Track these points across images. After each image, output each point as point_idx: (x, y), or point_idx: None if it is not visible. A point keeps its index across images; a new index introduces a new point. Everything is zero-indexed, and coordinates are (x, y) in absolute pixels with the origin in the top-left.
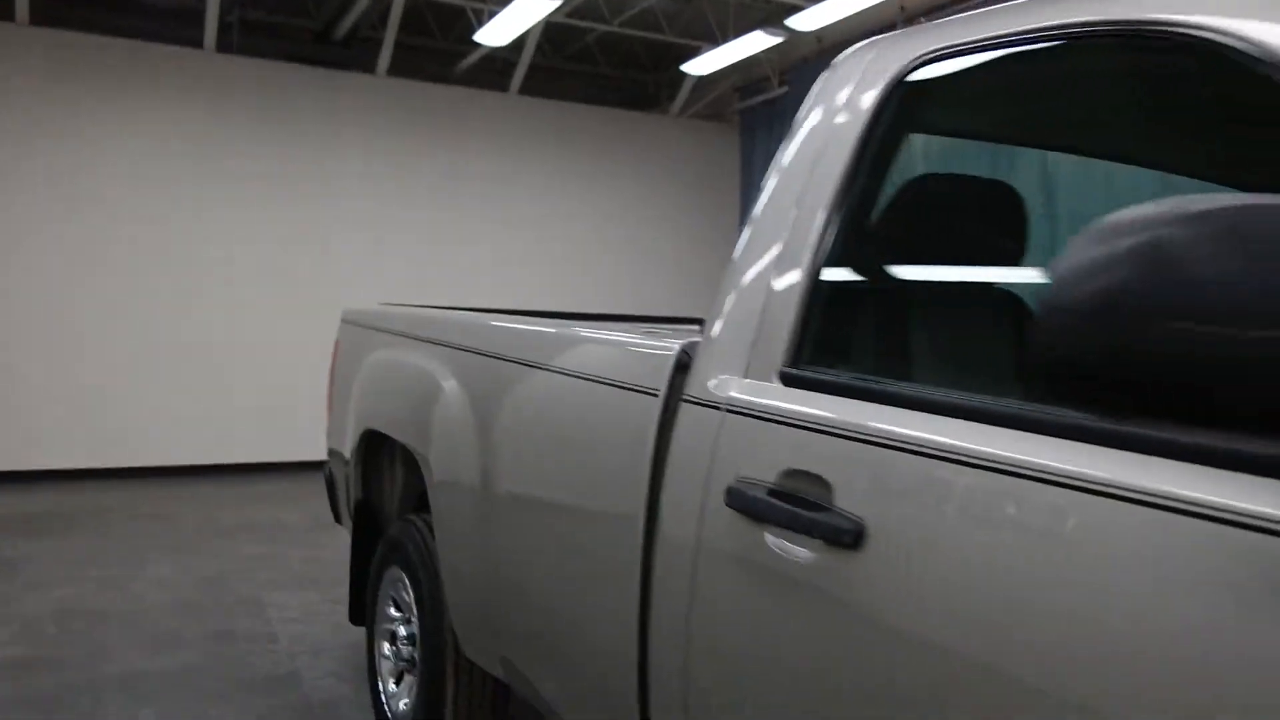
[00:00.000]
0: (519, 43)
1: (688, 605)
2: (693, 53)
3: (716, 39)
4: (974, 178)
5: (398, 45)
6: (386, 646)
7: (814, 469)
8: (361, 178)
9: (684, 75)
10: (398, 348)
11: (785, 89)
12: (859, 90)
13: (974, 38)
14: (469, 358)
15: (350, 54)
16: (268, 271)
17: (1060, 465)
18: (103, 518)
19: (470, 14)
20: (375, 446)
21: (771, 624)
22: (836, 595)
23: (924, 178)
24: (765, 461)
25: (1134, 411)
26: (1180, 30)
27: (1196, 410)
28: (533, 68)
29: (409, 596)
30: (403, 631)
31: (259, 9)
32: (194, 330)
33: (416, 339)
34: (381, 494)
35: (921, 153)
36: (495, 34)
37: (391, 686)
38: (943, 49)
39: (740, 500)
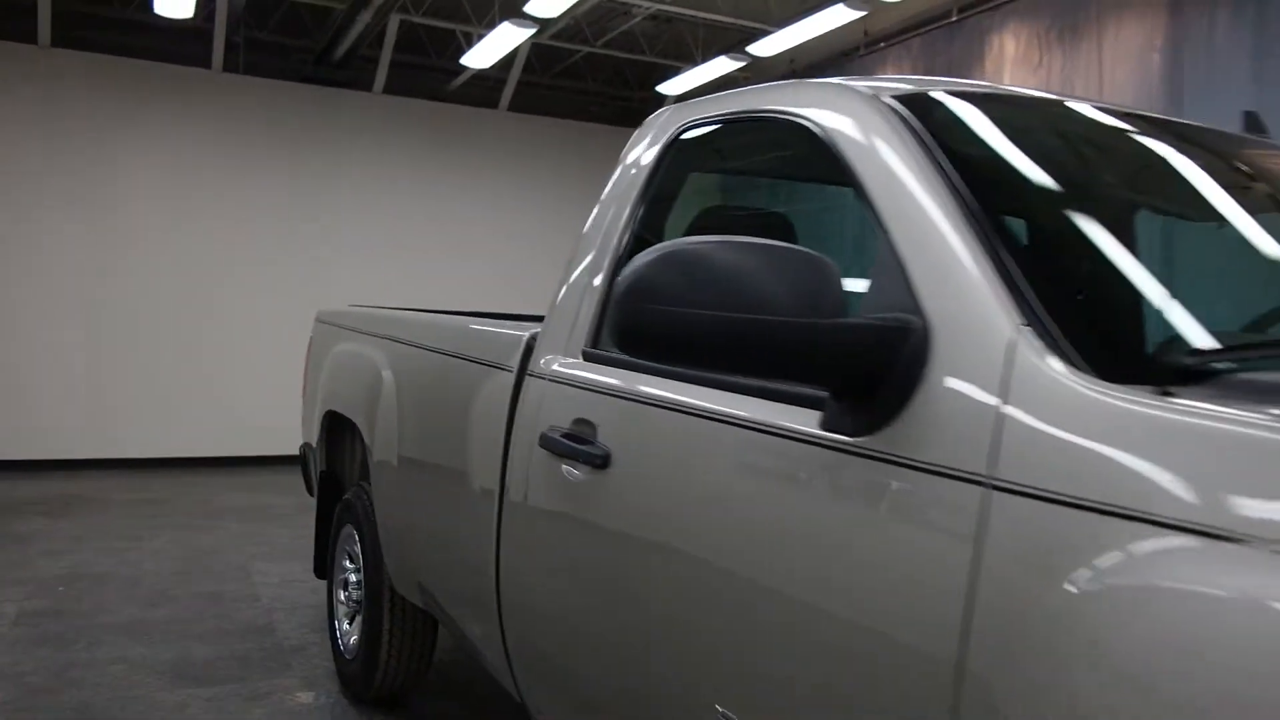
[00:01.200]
0: (509, 61)
1: (522, 525)
2: (675, 72)
3: (696, 60)
4: (720, 204)
5: (393, 64)
6: (342, 593)
7: (588, 416)
8: (357, 189)
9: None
10: (355, 342)
11: None
12: (653, 142)
13: (712, 113)
14: (397, 347)
15: (349, 73)
16: (268, 277)
17: (705, 404)
18: (106, 501)
19: (460, 36)
20: (336, 425)
21: (562, 524)
22: (596, 500)
23: (690, 205)
24: (563, 414)
25: (652, 356)
26: (786, 114)
27: (688, 357)
28: (523, 85)
29: (358, 549)
30: (353, 579)
31: (263, 29)
32: (196, 332)
33: (368, 334)
34: (342, 466)
35: (689, 187)
36: (481, 57)
37: (345, 626)
38: (699, 118)
39: (547, 442)
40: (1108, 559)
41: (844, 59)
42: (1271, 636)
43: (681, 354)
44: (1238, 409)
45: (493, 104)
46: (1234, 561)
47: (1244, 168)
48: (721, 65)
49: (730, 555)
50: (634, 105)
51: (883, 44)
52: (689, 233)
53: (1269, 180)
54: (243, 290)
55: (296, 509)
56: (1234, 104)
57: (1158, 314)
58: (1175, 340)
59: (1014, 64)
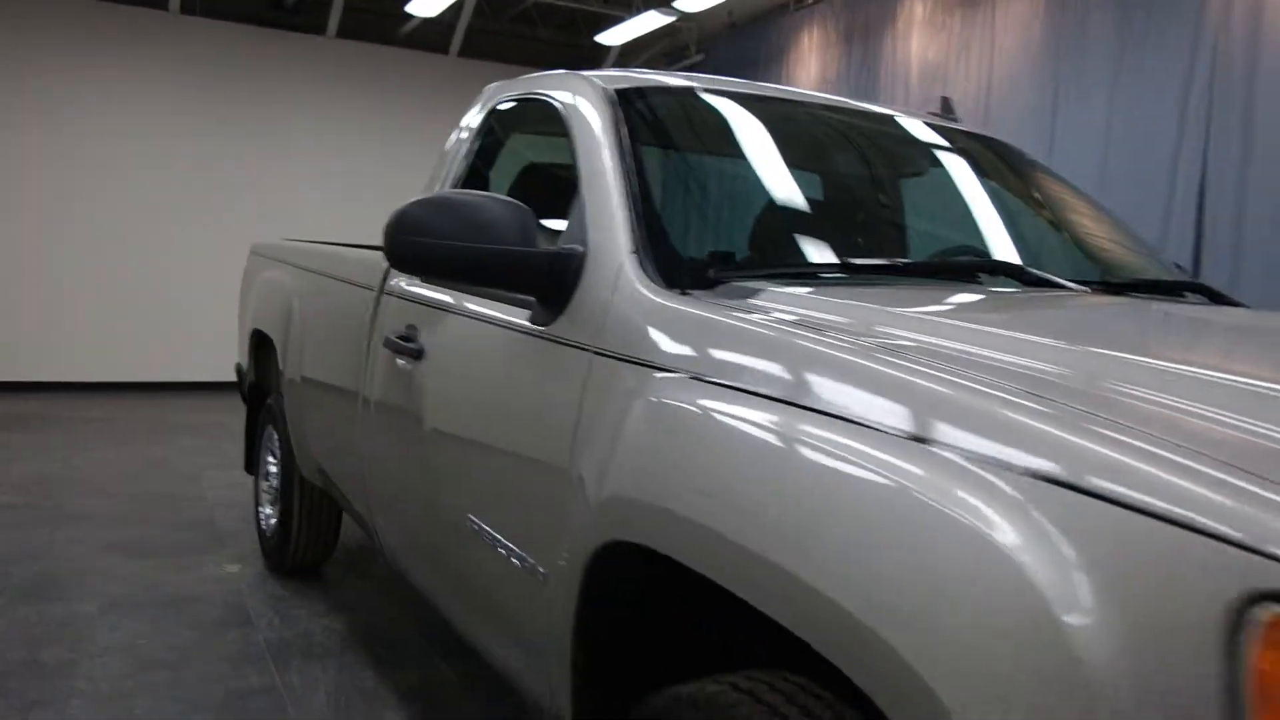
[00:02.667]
0: (460, 6)
1: (376, 407)
2: (619, 21)
3: (635, 10)
4: (522, 162)
5: (347, 9)
6: (264, 483)
7: (413, 322)
8: (309, 130)
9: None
10: (275, 270)
11: (702, 56)
12: (480, 111)
13: (513, 92)
14: (302, 274)
15: (303, 17)
16: (220, 214)
17: (469, 307)
18: (68, 419)
19: None
20: (261, 343)
21: (396, 400)
22: (415, 382)
23: (502, 162)
24: (400, 322)
25: (415, 274)
26: (545, 96)
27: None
28: (474, 31)
29: (277, 446)
30: (273, 470)
31: None
32: (154, 265)
33: (284, 263)
34: (267, 378)
35: (505, 148)
36: (428, 4)
37: (267, 510)
38: (506, 96)
39: (388, 343)
40: (647, 387)
41: (779, 13)
42: (697, 419)
43: (433, 273)
44: (709, 302)
45: (444, 49)
46: (689, 386)
47: (865, 138)
48: (651, 19)
49: (480, 410)
50: (584, 53)
51: (811, 1)
52: (513, 185)
53: (877, 148)
54: (197, 226)
55: None
56: (1102, 70)
57: (709, 244)
58: (712, 262)
59: (921, 26)
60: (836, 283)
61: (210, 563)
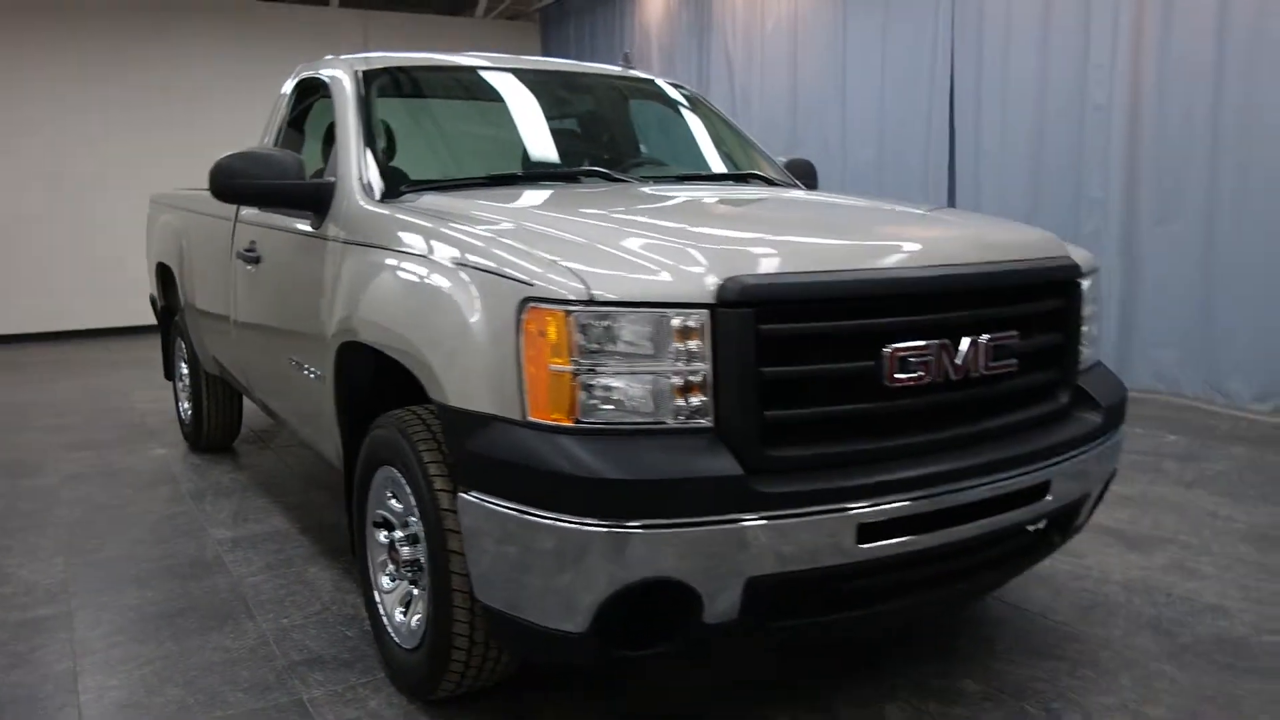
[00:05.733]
0: None
1: (241, 303)
2: None
3: None
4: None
5: None
6: (180, 385)
7: (254, 238)
8: (209, 86)
9: None
10: (169, 213)
11: None
12: (293, 81)
13: (310, 72)
14: (186, 214)
15: None
16: (145, 172)
17: (277, 222)
18: (34, 363)
19: None
20: (164, 273)
21: (246, 294)
22: (255, 279)
23: (303, 119)
24: (246, 239)
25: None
26: (321, 75)
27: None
28: None
29: (185, 352)
30: (185, 372)
31: None
32: (91, 222)
33: (175, 207)
34: (172, 300)
35: (307, 111)
36: None
37: (184, 405)
38: (306, 73)
39: (239, 255)
40: (357, 255)
41: None
42: (375, 267)
43: (244, 202)
44: (391, 207)
45: (323, 1)
46: (372, 252)
47: (541, 88)
48: None
49: (292, 288)
50: None
51: None
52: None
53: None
54: (127, 179)
55: None
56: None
57: (410, 172)
58: (405, 183)
59: None
60: (478, 186)
61: (143, 450)
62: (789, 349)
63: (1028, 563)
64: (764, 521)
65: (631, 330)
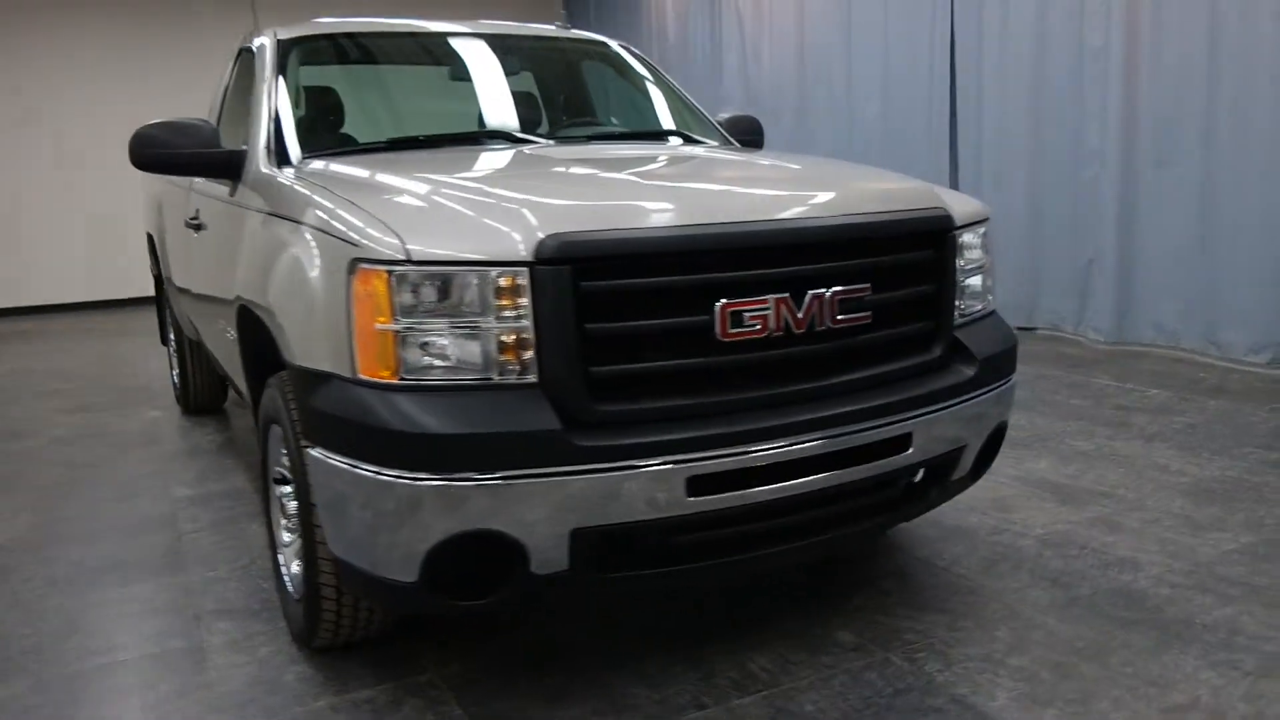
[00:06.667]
0: None
1: (197, 263)
2: None
3: None
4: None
5: None
6: (168, 348)
7: (199, 206)
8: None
9: None
10: (155, 184)
11: None
12: (239, 48)
13: (245, 44)
14: (165, 186)
15: None
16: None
17: (213, 191)
18: (44, 332)
19: None
20: (152, 242)
21: (198, 260)
22: (200, 242)
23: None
24: (192, 208)
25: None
26: (254, 44)
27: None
28: None
29: (171, 318)
30: (172, 338)
31: None
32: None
33: (158, 179)
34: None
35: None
36: None
37: (176, 370)
38: (245, 42)
39: (187, 223)
40: (258, 221)
41: None
42: (260, 233)
43: (160, 171)
44: (285, 172)
45: None
46: (267, 220)
47: (456, 53)
48: None
49: (223, 249)
50: None
51: None
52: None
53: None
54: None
55: None
56: None
57: (315, 139)
58: (304, 149)
59: None
60: (376, 151)
61: (139, 411)
62: (614, 305)
63: (900, 516)
64: (583, 474)
65: (451, 288)
